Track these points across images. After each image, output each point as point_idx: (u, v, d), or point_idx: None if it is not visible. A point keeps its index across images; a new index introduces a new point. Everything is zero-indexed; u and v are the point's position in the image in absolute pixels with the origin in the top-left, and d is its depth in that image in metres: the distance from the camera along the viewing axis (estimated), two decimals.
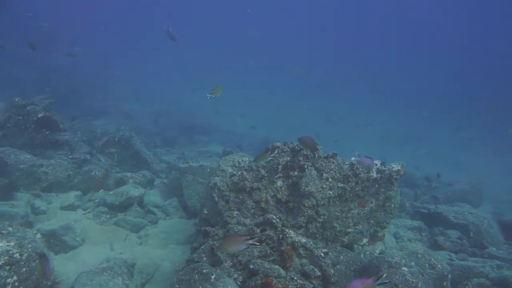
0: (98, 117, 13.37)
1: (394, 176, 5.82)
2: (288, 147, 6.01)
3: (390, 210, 5.95)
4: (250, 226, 4.89)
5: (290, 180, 5.56)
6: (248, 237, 3.54)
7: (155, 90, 23.93)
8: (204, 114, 21.04)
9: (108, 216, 6.89)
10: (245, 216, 5.26)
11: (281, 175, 5.61)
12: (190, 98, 24.95)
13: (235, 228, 4.88)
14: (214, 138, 16.36)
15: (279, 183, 5.54)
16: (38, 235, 5.43)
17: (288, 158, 5.86)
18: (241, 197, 5.61)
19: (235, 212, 5.33)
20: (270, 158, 5.36)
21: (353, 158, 5.56)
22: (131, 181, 8.01)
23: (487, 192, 10.61)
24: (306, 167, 5.55)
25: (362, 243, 5.70)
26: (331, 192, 5.39)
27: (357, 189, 5.58)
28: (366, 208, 5.65)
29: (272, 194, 5.46)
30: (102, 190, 7.73)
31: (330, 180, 5.50)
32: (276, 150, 5.84)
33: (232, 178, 6.04)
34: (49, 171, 7.42)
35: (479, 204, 9.43)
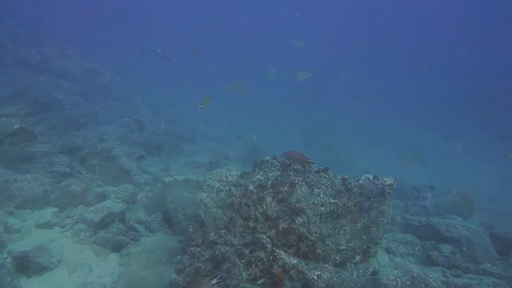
0: (79, 126, 12.84)
1: (387, 191, 5.65)
2: (278, 161, 5.80)
3: (383, 226, 5.75)
4: (239, 247, 4.62)
5: (280, 196, 5.31)
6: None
7: (148, 95, 23.30)
8: (192, 122, 20.68)
9: (87, 233, 6.47)
10: (233, 235, 4.98)
11: (271, 190, 5.37)
12: (178, 105, 24.45)
13: (222, 249, 4.60)
14: (201, 147, 15.99)
15: (269, 199, 5.28)
16: (8, 259, 5.01)
17: (278, 173, 5.64)
18: (228, 214, 5.32)
19: (223, 231, 5.05)
20: (255, 179, 5.17)
21: (362, 177, 5.41)
22: (112, 195, 7.59)
23: (476, 202, 10.55)
24: (296, 182, 5.33)
25: (355, 261, 5.47)
26: (323, 209, 5.17)
27: (349, 204, 5.37)
28: (358, 224, 5.44)
29: (262, 210, 5.20)
30: (81, 206, 7.30)
31: (321, 195, 5.29)
32: (263, 166, 5.62)
33: (219, 194, 5.77)
34: (24, 187, 6.96)
35: (470, 215, 9.35)
